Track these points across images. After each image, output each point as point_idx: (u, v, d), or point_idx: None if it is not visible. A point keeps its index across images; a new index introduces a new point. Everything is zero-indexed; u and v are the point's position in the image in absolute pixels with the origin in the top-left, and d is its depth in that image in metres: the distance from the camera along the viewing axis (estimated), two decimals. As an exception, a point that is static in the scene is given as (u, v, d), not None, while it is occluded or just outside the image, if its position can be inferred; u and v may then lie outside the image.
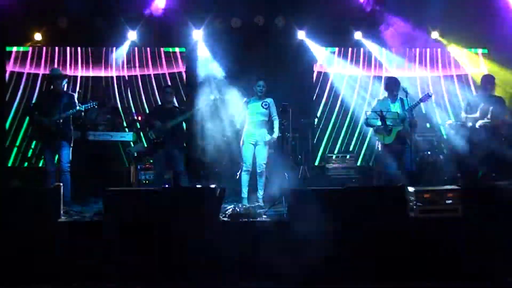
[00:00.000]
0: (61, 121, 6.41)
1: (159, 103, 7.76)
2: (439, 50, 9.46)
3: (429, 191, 5.17)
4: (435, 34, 9.02)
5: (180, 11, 8.60)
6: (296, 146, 8.15)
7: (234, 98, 7.47)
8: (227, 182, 7.06)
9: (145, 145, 8.05)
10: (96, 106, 6.78)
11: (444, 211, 5.07)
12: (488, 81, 7.03)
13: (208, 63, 8.83)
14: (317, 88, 9.44)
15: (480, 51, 9.41)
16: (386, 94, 6.78)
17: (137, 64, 9.22)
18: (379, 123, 6.53)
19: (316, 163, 9.20)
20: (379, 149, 6.81)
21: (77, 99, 6.72)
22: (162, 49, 9.27)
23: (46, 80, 6.89)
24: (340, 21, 8.91)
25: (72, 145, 6.58)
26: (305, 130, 8.45)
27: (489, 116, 6.75)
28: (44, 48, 9.06)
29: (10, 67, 9.00)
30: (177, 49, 9.31)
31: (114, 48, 9.11)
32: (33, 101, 8.08)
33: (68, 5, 8.13)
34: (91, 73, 9.14)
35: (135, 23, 8.74)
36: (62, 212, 5.32)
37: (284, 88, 7.87)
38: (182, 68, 9.31)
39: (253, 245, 4.88)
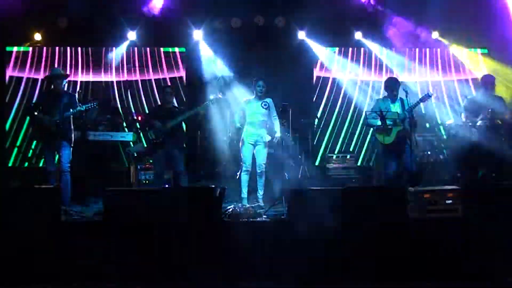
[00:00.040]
0: (61, 121, 6.41)
1: (159, 103, 7.75)
2: (438, 50, 9.46)
3: (429, 191, 5.19)
4: (435, 34, 9.03)
5: (180, 11, 8.61)
6: (296, 146, 8.14)
7: (241, 96, 7.42)
8: (227, 182, 7.05)
9: (145, 145, 8.05)
10: (96, 106, 6.77)
11: (444, 211, 5.08)
12: (488, 81, 7.03)
13: (211, 62, 8.84)
14: (317, 89, 9.44)
15: (479, 51, 9.41)
16: (386, 94, 6.78)
17: (137, 64, 9.21)
18: (379, 123, 6.53)
19: (316, 163, 9.19)
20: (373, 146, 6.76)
21: (77, 99, 6.72)
22: (161, 49, 9.26)
23: (47, 80, 6.85)
24: (340, 21, 8.91)
25: (72, 145, 6.56)
26: (305, 130, 8.45)
27: (489, 116, 6.75)
28: (44, 50, 9.06)
29: (9, 71, 8.98)
30: (176, 49, 9.30)
31: (114, 48, 9.11)
32: (34, 101, 8.07)
33: (68, 5, 8.14)
34: (91, 77, 9.13)
35: (134, 23, 8.75)
36: (62, 212, 5.31)
37: (284, 88, 7.87)
38: (182, 72, 9.30)
39: (253, 245, 4.87)
